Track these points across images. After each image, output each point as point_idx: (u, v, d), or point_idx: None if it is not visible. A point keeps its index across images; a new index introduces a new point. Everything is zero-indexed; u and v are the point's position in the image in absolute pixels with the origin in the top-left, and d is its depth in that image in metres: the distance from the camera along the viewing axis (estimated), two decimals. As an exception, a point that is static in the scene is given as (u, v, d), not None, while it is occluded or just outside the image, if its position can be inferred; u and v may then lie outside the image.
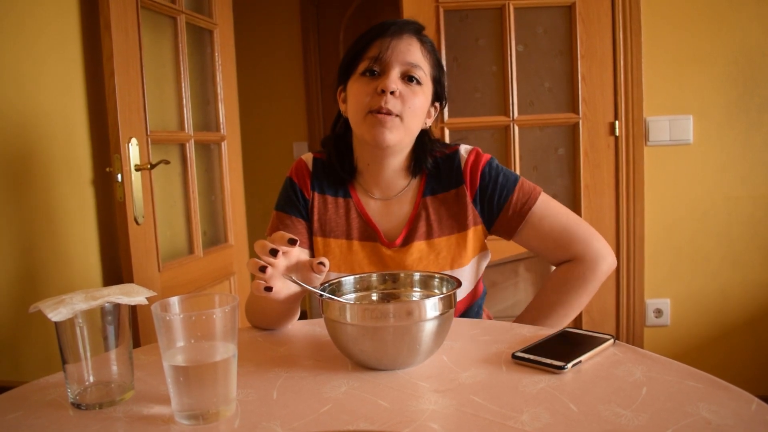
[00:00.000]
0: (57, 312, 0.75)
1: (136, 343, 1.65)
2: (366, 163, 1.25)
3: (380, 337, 0.85)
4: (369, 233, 1.25)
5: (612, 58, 2.36)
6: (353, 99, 1.18)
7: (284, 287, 0.95)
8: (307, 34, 3.91)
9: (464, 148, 1.28)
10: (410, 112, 1.15)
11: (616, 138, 2.39)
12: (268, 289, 0.90)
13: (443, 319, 0.88)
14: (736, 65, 2.36)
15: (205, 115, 2.44)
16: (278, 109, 3.98)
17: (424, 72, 1.18)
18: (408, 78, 1.16)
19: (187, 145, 2.24)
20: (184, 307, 0.78)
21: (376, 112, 1.13)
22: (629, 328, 2.49)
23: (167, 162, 2.01)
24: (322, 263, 0.92)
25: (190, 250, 2.27)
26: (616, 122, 2.37)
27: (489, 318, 1.42)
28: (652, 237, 2.45)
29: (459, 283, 0.94)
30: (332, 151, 1.27)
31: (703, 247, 2.46)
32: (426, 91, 1.20)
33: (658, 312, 2.50)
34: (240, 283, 2.55)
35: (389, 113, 1.13)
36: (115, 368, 0.84)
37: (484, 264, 1.31)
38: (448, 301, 0.89)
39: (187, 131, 2.23)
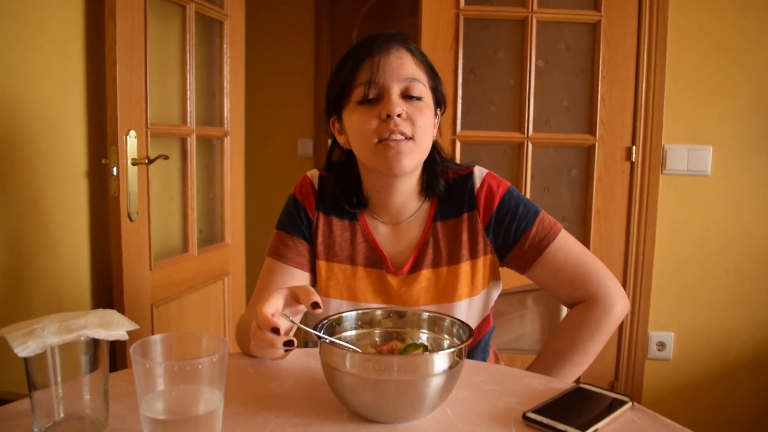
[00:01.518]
0: (25, 346, 0.67)
1: (113, 366, 1.55)
2: (376, 191, 1.17)
3: (382, 390, 0.77)
4: (375, 260, 1.17)
5: (634, 80, 2.27)
6: (356, 131, 1.08)
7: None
8: (320, 29, 3.82)
9: (479, 171, 1.19)
10: (421, 131, 1.07)
11: (632, 163, 2.31)
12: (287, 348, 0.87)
13: (451, 374, 0.80)
14: (762, 98, 2.28)
15: (209, 109, 2.36)
16: (285, 104, 3.90)
17: (422, 84, 1.10)
18: (408, 96, 1.08)
19: (189, 139, 2.15)
20: (167, 349, 0.70)
21: (387, 140, 1.05)
22: (630, 360, 2.42)
23: (166, 157, 1.92)
24: (317, 304, 0.85)
25: (185, 248, 2.19)
26: (633, 147, 2.30)
27: (496, 355, 1.34)
28: (660, 268, 2.37)
29: (471, 332, 0.86)
30: (336, 187, 1.19)
31: (712, 282, 2.39)
32: (429, 104, 1.11)
33: (661, 345, 2.42)
34: (234, 284, 2.47)
35: (402, 137, 1.05)
36: (88, 402, 0.76)
37: (495, 295, 1.23)
38: (459, 354, 0.81)
39: (189, 125, 2.14)
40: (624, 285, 2.37)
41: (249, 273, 2.62)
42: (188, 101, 2.13)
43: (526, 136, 2.30)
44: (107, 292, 1.85)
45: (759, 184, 2.32)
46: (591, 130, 2.31)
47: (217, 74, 2.36)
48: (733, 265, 2.37)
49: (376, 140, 1.06)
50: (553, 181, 2.36)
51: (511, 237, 1.15)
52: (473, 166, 1.20)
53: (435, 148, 1.17)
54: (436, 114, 1.16)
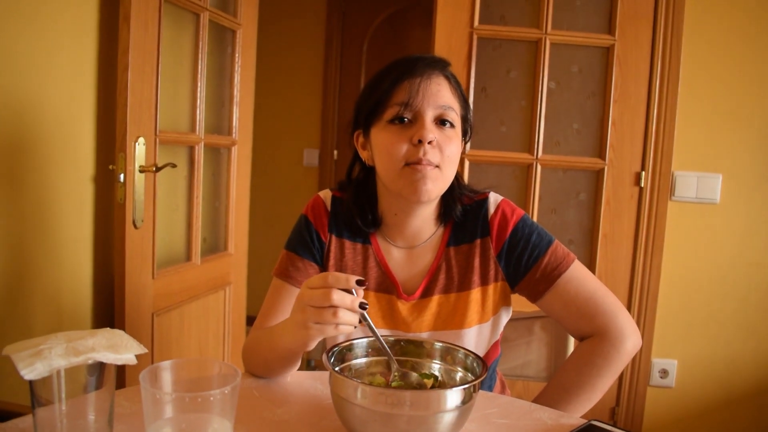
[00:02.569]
0: (31, 368, 0.65)
1: (120, 383, 1.53)
2: (394, 213, 1.15)
3: (393, 424, 0.75)
4: (387, 285, 1.15)
5: (645, 106, 2.27)
6: (384, 150, 1.06)
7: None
8: (331, 41, 3.82)
9: (494, 197, 1.18)
10: (448, 161, 1.06)
11: (641, 189, 2.30)
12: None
13: (464, 409, 0.79)
14: (773, 128, 2.27)
15: (218, 117, 2.34)
16: (292, 114, 3.89)
17: (456, 113, 1.08)
18: (441, 122, 1.06)
19: (197, 147, 2.14)
20: (177, 377, 0.68)
21: (415, 164, 1.03)
22: (632, 386, 2.40)
23: (174, 165, 1.91)
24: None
25: (188, 257, 2.16)
26: (643, 173, 2.28)
27: (502, 382, 1.32)
28: (666, 295, 2.35)
29: (485, 367, 0.85)
30: (352, 203, 1.17)
31: (718, 311, 2.37)
32: (458, 133, 1.10)
33: (664, 372, 2.40)
34: (235, 294, 2.44)
35: (429, 164, 1.03)
36: (92, 422, 0.74)
37: (504, 322, 1.21)
38: (471, 390, 0.79)
39: (198, 133, 2.13)
40: (628, 310, 2.34)
41: (251, 283, 2.60)
42: (198, 109, 2.12)
43: (535, 157, 2.29)
44: (108, 298, 1.83)
45: (767, 214, 2.30)
46: (601, 153, 2.29)
47: (228, 83, 2.35)
48: (740, 295, 2.35)
49: (403, 164, 1.04)
50: (560, 203, 2.35)
51: (523, 265, 1.13)
52: (488, 192, 1.19)
53: (456, 177, 1.16)
54: (461, 143, 1.15)
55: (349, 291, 0.82)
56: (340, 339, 0.94)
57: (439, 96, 1.06)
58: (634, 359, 2.37)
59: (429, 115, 1.05)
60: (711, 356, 2.39)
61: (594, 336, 1.14)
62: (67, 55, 1.68)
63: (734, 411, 2.41)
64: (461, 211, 1.16)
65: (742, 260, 2.33)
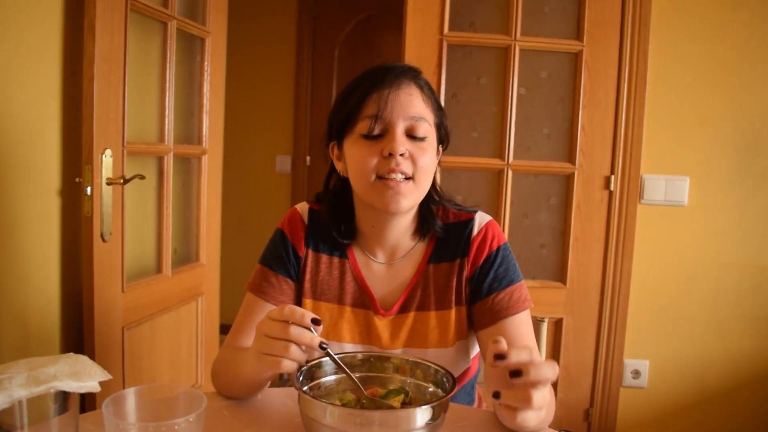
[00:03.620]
0: (-10, 400, 0.64)
1: (88, 405, 1.48)
2: (370, 225, 1.14)
3: (363, 444, 0.75)
4: (363, 300, 1.14)
5: (614, 110, 2.29)
6: (356, 164, 1.06)
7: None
8: (302, 47, 3.80)
9: (480, 218, 1.16)
10: (421, 172, 1.05)
11: (611, 192, 2.32)
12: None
13: (433, 426, 0.78)
14: (740, 130, 2.31)
15: (188, 127, 2.32)
16: (264, 120, 3.86)
17: (428, 123, 1.07)
18: (412, 135, 1.06)
19: (166, 158, 2.11)
20: (140, 404, 0.67)
21: (386, 177, 1.03)
22: (605, 388, 2.42)
23: (142, 177, 1.88)
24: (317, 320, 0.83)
25: (158, 269, 2.14)
26: (612, 176, 2.31)
27: (480, 398, 1.32)
28: (636, 296, 2.38)
29: (454, 382, 0.85)
30: (329, 214, 1.16)
31: (687, 311, 2.41)
32: (432, 143, 1.09)
33: (636, 373, 2.43)
34: (208, 304, 2.42)
35: (402, 176, 1.03)
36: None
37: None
38: (441, 409, 0.79)
39: (167, 143, 2.11)
40: (600, 312, 2.38)
41: (224, 292, 2.58)
42: (166, 119, 2.09)
43: (506, 163, 2.30)
44: (77, 313, 1.80)
45: (734, 216, 2.35)
46: (571, 158, 2.32)
47: (197, 92, 2.33)
48: (708, 295, 2.39)
49: (374, 177, 1.04)
50: (532, 208, 2.36)
51: (481, 291, 1.11)
52: (475, 212, 1.18)
53: (432, 185, 1.14)
54: (438, 150, 1.14)
55: (307, 327, 0.83)
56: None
57: (410, 107, 1.05)
58: (606, 360, 2.40)
59: (400, 127, 1.04)
60: (682, 356, 2.43)
61: None
62: (31, 66, 1.64)
63: (706, 409, 2.45)
64: (444, 228, 1.15)
65: (710, 261, 2.37)
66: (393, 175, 1.02)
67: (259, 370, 0.88)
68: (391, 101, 1.04)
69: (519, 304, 1.10)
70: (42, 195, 1.72)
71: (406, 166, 1.03)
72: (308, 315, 0.82)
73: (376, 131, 1.04)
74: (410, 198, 1.05)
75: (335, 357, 0.86)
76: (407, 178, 1.04)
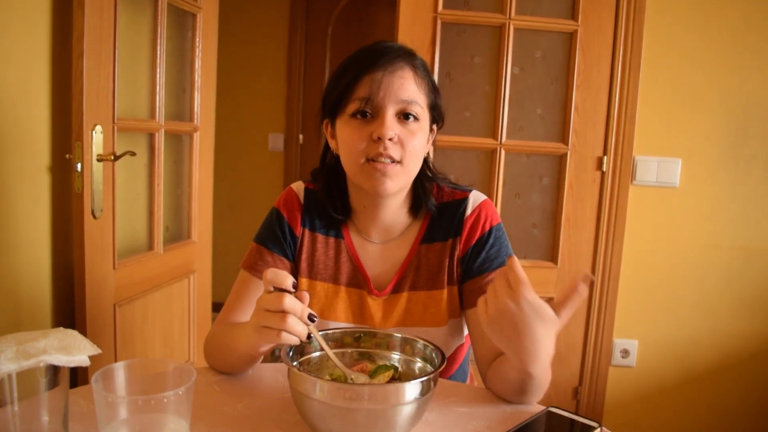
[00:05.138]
0: (-22, 373, 0.64)
1: (77, 380, 1.48)
2: (363, 205, 1.14)
3: (351, 418, 0.76)
4: (358, 280, 1.15)
5: (608, 91, 2.29)
6: (345, 144, 1.06)
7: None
8: (295, 25, 3.76)
9: (474, 197, 1.16)
10: (410, 155, 1.05)
11: (603, 173, 2.33)
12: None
13: (423, 401, 0.79)
14: (731, 114, 2.31)
15: (179, 103, 2.30)
16: (256, 98, 3.84)
17: (420, 105, 1.06)
18: (404, 115, 1.05)
19: (157, 135, 2.10)
20: (130, 378, 0.67)
21: (374, 160, 1.03)
22: (594, 366, 2.45)
23: (133, 154, 1.87)
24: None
25: (150, 246, 2.13)
26: (605, 157, 2.31)
27: (472, 377, 1.33)
28: (626, 276, 2.40)
29: (443, 357, 0.85)
30: (324, 190, 1.16)
31: (676, 291, 2.43)
32: (424, 125, 1.08)
33: (625, 352, 2.46)
34: (199, 282, 2.42)
35: (390, 160, 1.03)
36: (47, 423, 0.73)
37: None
38: (429, 384, 0.80)
39: (158, 120, 2.09)
40: (590, 293, 2.40)
41: (216, 270, 2.58)
42: (157, 96, 2.07)
43: (499, 142, 2.30)
44: (68, 290, 1.80)
45: (725, 198, 2.36)
46: (564, 138, 2.32)
47: (188, 68, 2.31)
48: (697, 276, 2.41)
49: (363, 159, 1.04)
50: (524, 188, 2.37)
51: (472, 270, 1.12)
52: (470, 191, 1.18)
53: (425, 164, 1.15)
54: (432, 129, 1.13)
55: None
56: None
57: (401, 90, 1.04)
58: (596, 339, 2.42)
59: (390, 111, 1.03)
60: (670, 336, 2.46)
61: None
62: (19, 42, 1.62)
63: (694, 388, 2.48)
64: (438, 207, 1.15)
65: (699, 243, 2.39)
66: (381, 159, 1.02)
67: (258, 343, 0.89)
68: (384, 85, 1.03)
69: None
70: (32, 171, 1.71)
71: (394, 151, 1.03)
72: (306, 310, 0.83)
73: (366, 110, 1.04)
74: (397, 181, 1.05)
75: (318, 334, 0.86)
76: (395, 162, 1.04)
